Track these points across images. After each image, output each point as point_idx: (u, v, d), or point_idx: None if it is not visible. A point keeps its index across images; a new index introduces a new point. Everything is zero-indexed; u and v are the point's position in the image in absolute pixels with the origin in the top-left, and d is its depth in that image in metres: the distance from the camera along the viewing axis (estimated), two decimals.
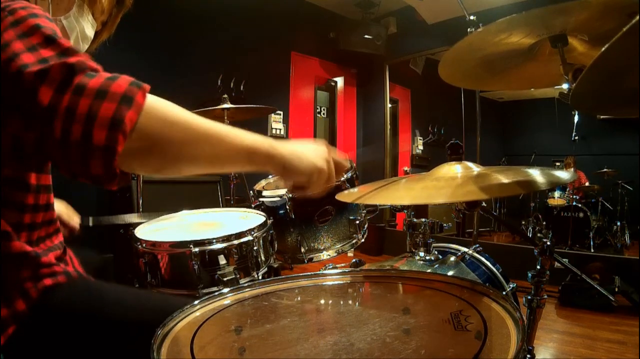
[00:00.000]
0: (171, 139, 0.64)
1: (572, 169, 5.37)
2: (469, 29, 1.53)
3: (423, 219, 1.37)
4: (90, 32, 0.95)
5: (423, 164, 6.38)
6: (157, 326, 0.66)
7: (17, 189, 0.76)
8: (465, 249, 1.42)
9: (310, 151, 0.80)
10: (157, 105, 0.63)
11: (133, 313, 0.81)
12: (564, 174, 0.83)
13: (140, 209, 2.42)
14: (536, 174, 0.82)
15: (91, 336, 0.79)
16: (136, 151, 0.61)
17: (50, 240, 0.85)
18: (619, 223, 5.07)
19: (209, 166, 0.71)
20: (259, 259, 1.35)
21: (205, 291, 1.22)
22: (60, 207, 1.21)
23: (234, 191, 2.61)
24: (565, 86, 0.95)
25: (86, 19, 0.93)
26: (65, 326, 0.78)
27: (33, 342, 0.76)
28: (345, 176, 1.57)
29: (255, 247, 1.33)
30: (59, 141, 0.58)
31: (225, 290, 0.85)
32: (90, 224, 1.26)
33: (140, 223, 1.45)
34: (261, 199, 1.63)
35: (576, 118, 4.85)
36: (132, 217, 1.37)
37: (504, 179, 0.80)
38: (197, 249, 1.22)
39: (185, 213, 1.65)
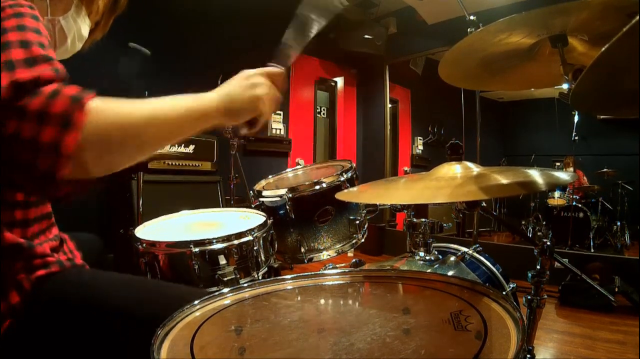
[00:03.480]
0: (119, 140, 0.65)
1: (572, 169, 5.37)
2: (469, 29, 1.53)
3: (423, 219, 1.37)
4: (85, 32, 0.97)
5: (423, 164, 6.38)
6: (153, 313, 0.66)
7: (5, 186, 0.76)
8: (465, 249, 1.42)
9: (245, 87, 0.81)
10: (99, 113, 0.63)
11: (128, 301, 0.81)
12: (563, 175, 0.83)
13: (141, 210, 2.42)
14: (536, 175, 0.82)
15: (86, 324, 0.79)
16: (89, 161, 0.63)
17: (44, 235, 0.86)
18: (619, 223, 5.07)
19: (164, 143, 0.73)
20: (259, 259, 1.35)
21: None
22: None
23: (234, 191, 2.61)
24: (565, 86, 0.95)
25: (83, 19, 0.95)
26: (60, 316, 0.78)
27: (29, 334, 0.76)
28: (345, 175, 1.57)
29: (255, 248, 1.33)
30: (9, 163, 0.60)
31: (225, 290, 0.85)
32: None
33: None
34: (261, 199, 1.63)
35: (576, 118, 4.85)
36: None
37: (504, 179, 0.80)
38: (197, 249, 1.22)
39: (185, 213, 1.65)
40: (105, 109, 0.64)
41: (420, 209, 3.64)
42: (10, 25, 0.66)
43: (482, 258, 1.39)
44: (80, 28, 0.94)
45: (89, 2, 0.94)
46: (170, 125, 0.71)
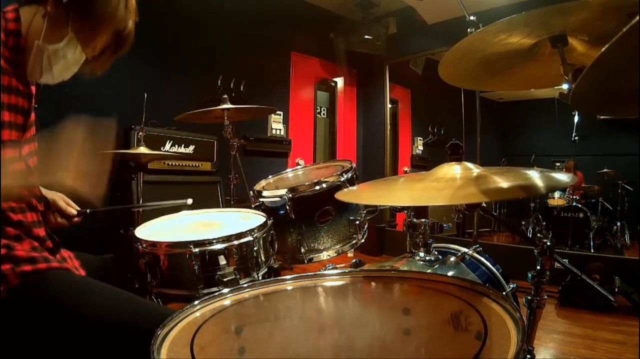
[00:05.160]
0: None
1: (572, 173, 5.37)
2: (469, 29, 1.53)
3: (423, 220, 1.37)
4: (76, 64, 0.97)
5: (423, 164, 6.38)
6: (138, 330, 0.67)
7: None
8: (465, 250, 1.42)
9: None
10: None
11: (122, 316, 0.81)
12: (563, 177, 0.83)
13: (141, 210, 2.42)
14: (535, 177, 0.82)
15: (67, 328, 0.79)
16: None
17: (30, 229, 0.86)
18: (619, 223, 5.07)
19: None
20: (259, 260, 1.35)
21: (205, 291, 1.22)
22: (56, 196, 1.22)
23: (234, 191, 2.61)
24: (565, 86, 0.95)
25: (74, 52, 0.95)
26: (41, 314, 0.79)
27: (6, 327, 0.77)
28: (345, 175, 1.57)
29: (255, 248, 1.33)
30: None
31: (225, 290, 0.85)
32: (88, 212, 1.29)
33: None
34: (261, 199, 1.63)
35: (576, 118, 4.84)
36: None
37: (504, 182, 0.80)
38: (197, 250, 1.22)
39: (185, 213, 1.65)
40: None
41: (420, 210, 3.64)
42: None
43: (482, 258, 1.39)
44: (70, 61, 0.95)
45: (85, 41, 0.95)
46: None
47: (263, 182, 1.84)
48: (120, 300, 0.87)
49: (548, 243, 0.90)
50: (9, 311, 0.77)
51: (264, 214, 1.51)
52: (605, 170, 5.42)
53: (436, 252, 1.37)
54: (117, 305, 0.84)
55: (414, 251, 1.38)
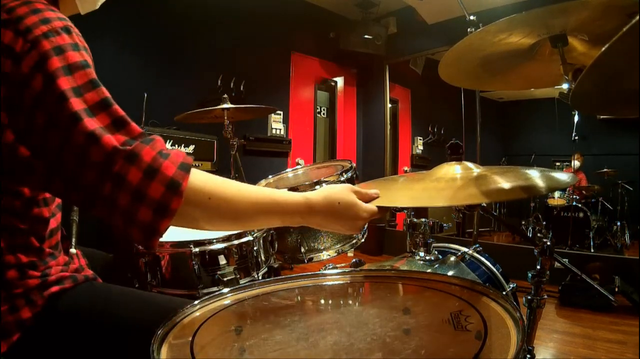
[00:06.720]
0: (219, 216, 0.70)
1: (578, 163, 5.39)
2: (469, 29, 1.53)
3: (423, 219, 1.37)
4: None
5: (423, 164, 6.38)
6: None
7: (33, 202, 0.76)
8: (465, 249, 1.42)
9: (347, 227, 0.81)
10: (195, 195, 0.65)
11: (139, 318, 0.81)
12: (564, 176, 0.83)
13: None
14: (536, 177, 0.82)
15: (98, 341, 0.79)
16: (184, 223, 0.67)
17: (57, 249, 0.85)
18: (619, 223, 5.07)
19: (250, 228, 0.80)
20: (259, 259, 1.35)
21: (205, 291, 1.22)
22: None
23: None
24: (565, 86, 0.95)
25: None
26: (72, 332, 0.78)
27: (38, 350, 0.76)
28: (345, 175, 1.57)
29: (255, 248, 1.33)
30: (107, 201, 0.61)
31: (225, 290, 0.85)
32: None
33: None
34: None
35: (576, 118, 4.84)
36: None
37: (505, 182, 0.80)
38: (197, 249, 1.22)
39: None
40: (202, 190, 0.66)
41: (420, 209, 3.64)
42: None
43: (482, 258, 1.39)
44: None
45: None
46: (268, 220, 0.76)
47: (263, 182, 1.84)
48: (145, 302, 0.86)
49: (548, 243, 0.90)
50: (38, 331, 0.76)
51: None
52: (605, 170, 5.43)
53: (436, 252, 1.37)
54: (142, 309, 0.83)
55: (414, 250, 1.38)
